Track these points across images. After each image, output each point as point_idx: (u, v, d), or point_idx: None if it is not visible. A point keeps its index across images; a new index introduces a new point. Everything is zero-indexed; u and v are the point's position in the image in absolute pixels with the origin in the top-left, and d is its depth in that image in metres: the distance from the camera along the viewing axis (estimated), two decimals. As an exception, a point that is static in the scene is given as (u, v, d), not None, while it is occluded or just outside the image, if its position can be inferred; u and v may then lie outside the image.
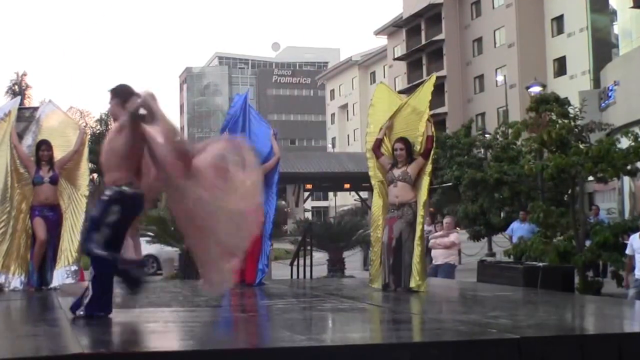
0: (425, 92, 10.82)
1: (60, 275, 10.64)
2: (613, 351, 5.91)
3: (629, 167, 16.79)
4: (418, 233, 10.28)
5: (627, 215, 27.95)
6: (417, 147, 10.59)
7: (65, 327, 6.75)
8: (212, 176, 7.11)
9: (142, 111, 6.89)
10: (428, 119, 10.66)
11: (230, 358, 5.35)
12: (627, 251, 12.84)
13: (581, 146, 17.71)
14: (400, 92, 57.53)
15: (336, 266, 24.34)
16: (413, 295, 9.94)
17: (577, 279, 15.50)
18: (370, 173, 11.09)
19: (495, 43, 64.88)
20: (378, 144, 10.86)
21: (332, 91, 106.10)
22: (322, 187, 69.28)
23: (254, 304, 9.87)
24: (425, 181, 10.41)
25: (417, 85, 11.46)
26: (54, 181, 10.83)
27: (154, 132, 6.92)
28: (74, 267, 10.79)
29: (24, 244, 10.82)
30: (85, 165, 11.29)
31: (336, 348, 5.79)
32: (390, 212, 10.50)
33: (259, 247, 11.56)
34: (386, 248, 10.41)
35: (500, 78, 59.54)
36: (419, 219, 10.31)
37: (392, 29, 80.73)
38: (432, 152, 10.56)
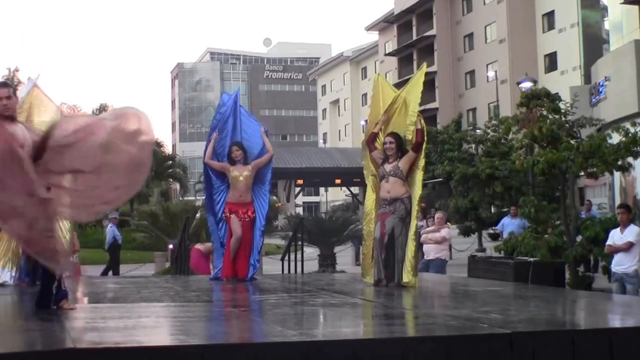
0: (417, 82, 10.84)
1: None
2: (604, 346, 5.93)
3: (619, 163, 16.81)
4: (413, 229, 10.29)
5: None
6: (409, 137, 10.57)
7: (57, 322, 6.73)
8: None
9: None
10: (418, 114, 10.67)
11: (223, 353, 5.35)
12: (608, 242, 13.29)
13: (572, 141, 17.72)
14: (391, 87, 57.51)
15: (327, 261, 24.37)
16: (405, 290, 9.95)
17: (568, 274, 15.54)
18: (364, 165, 11.08)
19: (486, 39, 64.95)
20: (373, 137, 10.83)
21: (324, 87, 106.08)
22: (314, 183, 69.25)
23: (245, 298, 9.86)
24: (419, 176, 10.41)
25: (408, 81, 11.44)
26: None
27: None
28: (70, 259, 10.71)
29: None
30: None
31: (328, 343, 5.79)
32: (382, 208, 10.48)
33: (251, 242, 11.57)
34: (378, 244, 10.39)
35: (491, 74, 59.59)
36: (414, 214, 10.31)
37: (383, 24, 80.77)
38: (423, 146, 10.54)
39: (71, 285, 10.53)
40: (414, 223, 10.31)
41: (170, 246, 24.44)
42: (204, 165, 12.00)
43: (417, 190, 10.38)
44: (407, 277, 10.16)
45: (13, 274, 10.61)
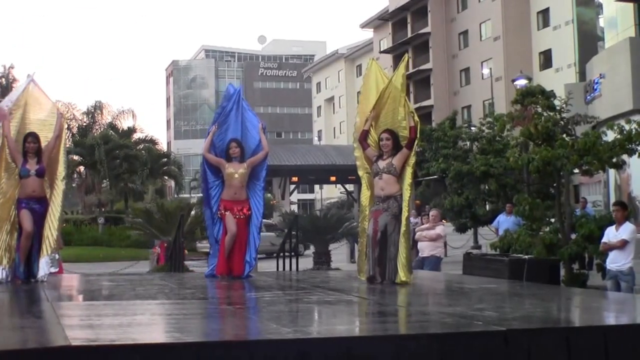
0: (399, 73, 10.86)
1: (45, 265, 10.51)
2: (599, 343, 5.93)
3: (614, 160, 16.82)
4: (403, 227, 10.26)
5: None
6: (403, 133, 10.55)
7: (52, 319, 6.72)
8: None
9: None
10: (411, 110, 10.66)
11: (218, 350, 5.34)
12: (603, 240, 13.48)
13: (567, 139, 17.74)
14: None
15: (322, 259, 24.37)
16: (399, 287, 9.95)
17: (562, 272, 15.54)
18: (358, 164, 11.05)
19: (481, 36, 65.01)
20: (364, 135, 10.81)
21: (319, 84, 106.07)
22: (308, 180, 69.16)
23: (241, 296, 9.85)
24: (409, 173, 10.38)
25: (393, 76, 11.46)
26: (40, 174, 10.65)
27: None
28: (56, 255, 10.68)
29: (9, 233, 10.67)
30: (63, 150, 11.12)
31: (322, 340, 5.78)
32: (376, 205, 10.46)
33: (246, 239, 11.54)
34: (371, 241, 10.38)
35: (486, 71, 59.70)
36: (404, 213, 10.29)
37: (378, 22, 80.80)
38: (415, 143, 10.53)
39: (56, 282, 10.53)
40: (404, 222, 10.28)
41: (156, 248, 24.74)
42: (202, 159, 11.97)
43: (407, 192, 10.34)
44: (398, 278, 10.15)
45: (6, 271, 10.55)
